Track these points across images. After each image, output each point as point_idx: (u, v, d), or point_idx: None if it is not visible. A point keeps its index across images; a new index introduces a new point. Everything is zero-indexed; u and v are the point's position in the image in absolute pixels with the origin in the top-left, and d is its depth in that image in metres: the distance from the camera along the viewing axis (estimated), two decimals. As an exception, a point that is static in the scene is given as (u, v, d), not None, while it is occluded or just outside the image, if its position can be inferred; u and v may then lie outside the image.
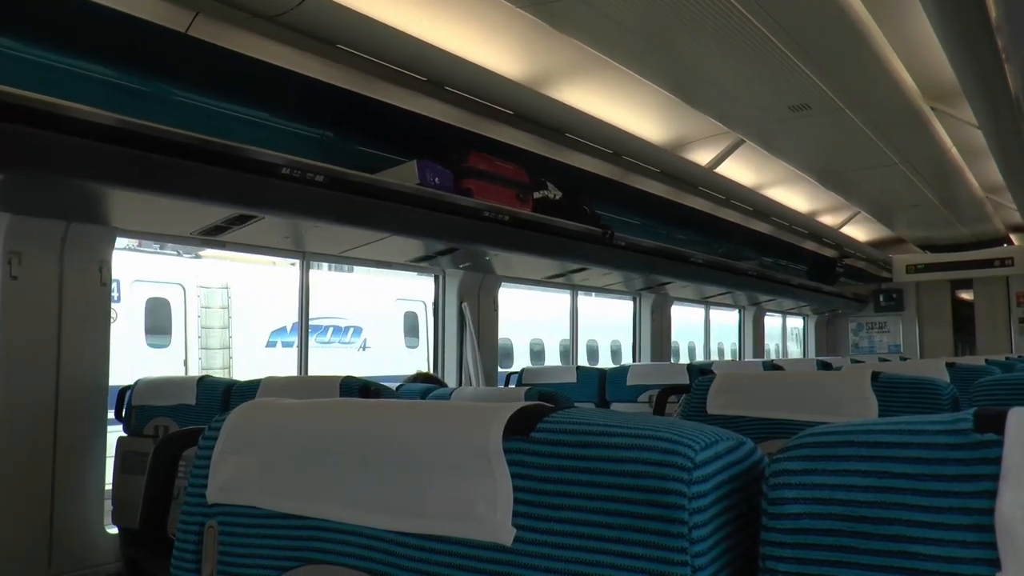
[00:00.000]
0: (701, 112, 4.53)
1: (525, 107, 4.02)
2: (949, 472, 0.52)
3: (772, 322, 9.53)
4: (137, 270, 6.48)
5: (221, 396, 2.81)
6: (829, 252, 8.75)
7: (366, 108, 3.53)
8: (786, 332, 10.39)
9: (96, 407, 2.94)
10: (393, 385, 2.98)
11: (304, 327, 4.19)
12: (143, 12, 2.62)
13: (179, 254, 7.04)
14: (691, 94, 4.28)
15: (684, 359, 9.96)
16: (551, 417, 0.63)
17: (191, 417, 2.86)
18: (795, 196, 6.75)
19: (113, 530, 2.99)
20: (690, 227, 6.68)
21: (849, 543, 0.54)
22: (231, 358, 7.21)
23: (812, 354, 10.11)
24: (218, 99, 3.29)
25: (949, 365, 2.60)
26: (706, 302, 7.86)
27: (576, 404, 0.83)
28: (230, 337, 7.25)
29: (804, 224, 7.52)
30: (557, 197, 4.56)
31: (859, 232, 8.76)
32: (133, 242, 5.93)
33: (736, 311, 8.61)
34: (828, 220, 7.83)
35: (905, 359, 7.07)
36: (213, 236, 3.39)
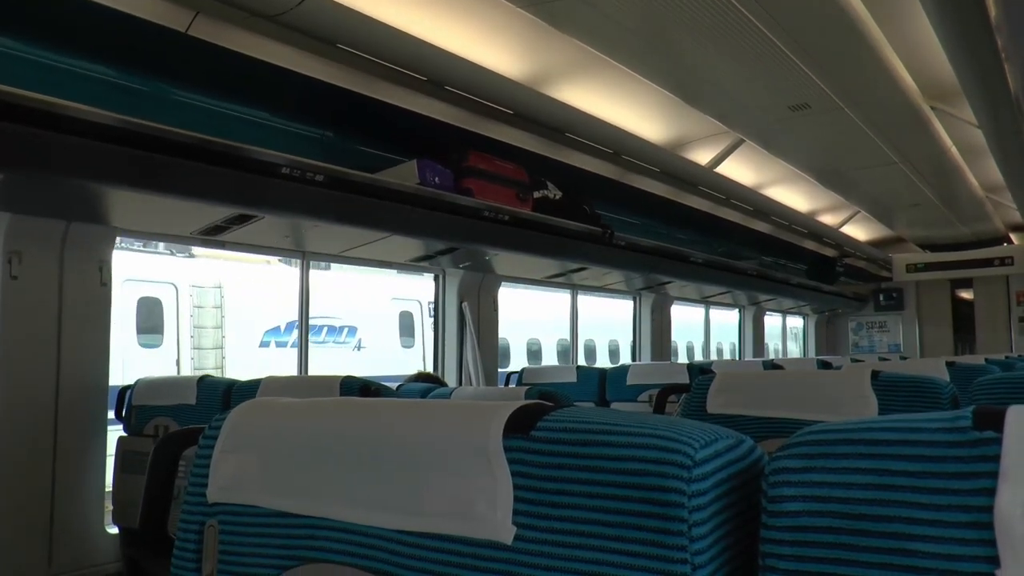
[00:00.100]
0: (701, 112, 4.53)
1: (525, 107, 4.02)
2: (948, 470, 0.52)
3: (772, 321, 9.53)
4: (128, 269, 6.44)
5: (221, 396, 2.81)
6: (829, 251, 8.75)
7: (366, 108, 3.53)
8: (786, 332, 10.39)
9: (96, 407, 2.94)
10: (390, 386, 2.98)
11: (304, 326, 4.19)
12: (143, 12, 2.62)
13: (172, 253, 7.00)
14: (691, 94, 4.28)
15: (683, 359, 9.95)
16: (551, 416, 0.63)
17: (191, 417, 2.86)
18: (795, 195, 6.75)
19: (113, 530, 2.99)
20: (690, 227, 6.68)
21: (848, 541, 0.54)
22: (224, 358, 7.17)
23: (812, 353, 10.11)
24: (218, 99, 3.29)
25: (949, 364, 2.60)
26: (706, 302, 7.86)
27: (576, 404, 0.83)
28: (223, 337, 7.21)
29: (804, 223, 7.52)
30: (557, 197, 4.56)
31: (859, 231, 8.76)
32: (123, 240, 5.91)
33: (736, 311, 8.62)
34: (828, 219, 7.84)
35: (905, 358, 7.07)
36: (213, 236, 3.40)
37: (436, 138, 3.91)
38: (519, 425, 0.63)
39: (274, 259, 6.99)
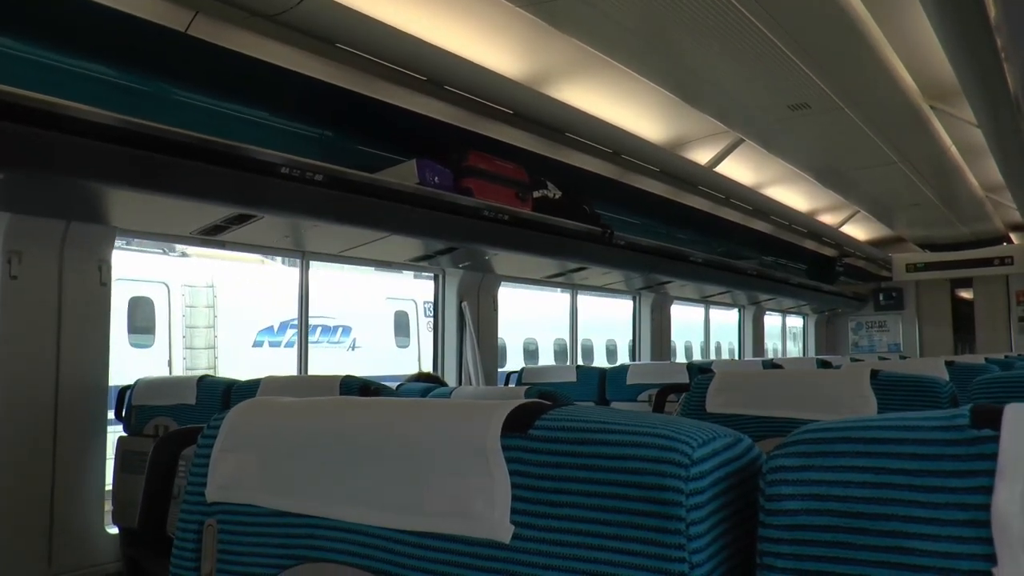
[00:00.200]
0: (700, 111, 4.53)
1: (525, 106, 4.02)
2: (945, 468, 0.52)
3: (771, 321, 9.53)
4: (119, 268, 6.37)
5: (221, 395, 2.81)
6: (829, 251, 8.75)
7: (365, 107, 3.53)
8: (785, 331, 10.39)
9: (96, 407, 2.94)
10: (389, 386, 2.98)
11: (303, 326, 4.18)
12: (143, 11, 2.62)
13: (165, 252, 6.95)
14: (691, 93, 4.28)
15: (680, 359, 9.93)
16: (549, 414, 0.63)
17: (191, 416, 2.86)
18: (795, 195, 6.75)
19: (113, 530, 2.99)
20: (690, 226, 6.68)
21: (846, 539, 0.54)
22: (216, 358, 7.11)
23: (812, 353, 10.11)
24: (218, 98, 3.29)
25: (948, 363, 2.61)
26: (706, 301, 7.86)
27: (576, 403, 0.83)
28: (215, 337, 7.15)
29: (804, 223, 7.52)
30: (557, 196, 4.56)
31: (859, 231, 8.76)
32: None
33: (735, 310, 8.61)
34: (828, 219, 7.84)
35: (905, 358, 7.07)
36: (213, 235, 3.40)
37: (436, 138, 3.91)
38: (517, 424, 0.63)
39: (268, 258, 6.95)
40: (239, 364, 6.82)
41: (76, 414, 2.85)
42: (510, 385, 4.33)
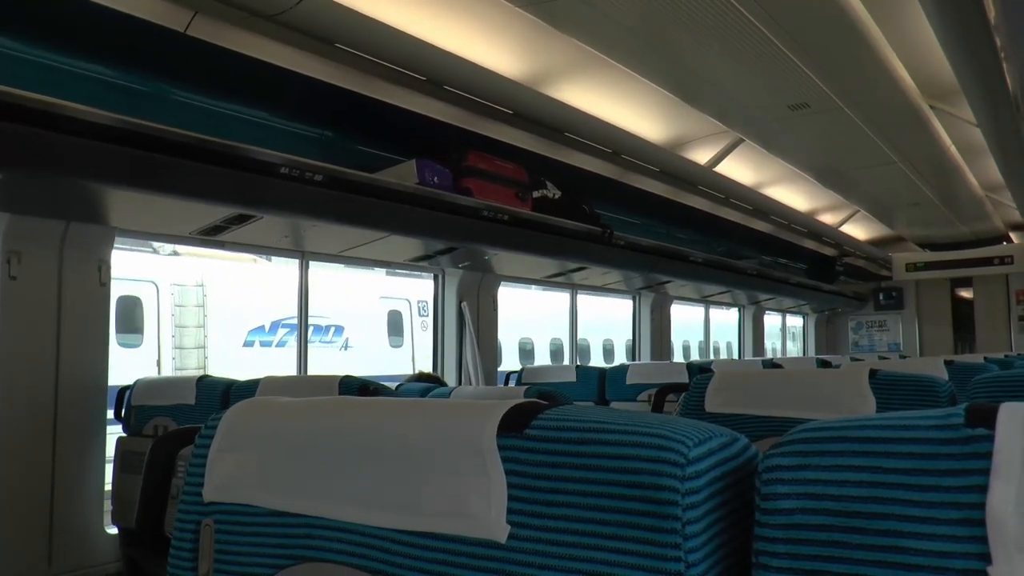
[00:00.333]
0: (700, 111, 4.53)
1: (524, 106, 4.02)
2: (940, 467, 0.52)
3: (771, 321, 9.53)
4: (108, 267, 6.30)
5: (220, 396, 2.81)
6: (828, 251, 8.75)
7: (365, 107, 3.53)
8: (785, 331, 10.38)
9: (95, 407, 2.94)
10: (389, 386, 2.97)
11: (303, 326, 4.18)
12: (142, 11, 2.62)
13: (154, 250, 6.89)
14: (690, 93, 4.28)
15: (677, 359, 9.90)
16: (545, 414, 0.63)
17: (191, 417, 2.86)
18: (794, 195, 6.75)
19: (113, 530, 2.99)
20: (689, 226, 6.68)
21: (841, 538, 0.54)
22: (206, 358, 7.04)
23: (811, 353, 10.11)
24: (217, 99, 3.29)
25: (948, 363, 2.61)
26: (706, 301, 7.86)
27: (574, 403, 0.83)
28: (205, 336, 7.07)
29: (803, 223, 7.52)
30: (556, 196, 4.56)
31: (858, 231, 8.76)
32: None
33: (735, 310, 8.61)
34: (827, 219, 7.84)
35: (905, 357, 7.07)
36: (212, 236, 3.40)
37: (435, 138, 3.91)
38: (513, 424, 0.63)
39: (261, 257, 6.89)
40: (229, 364, 6.72)
41: (75, 414, 2.85)
42: (510, 385, 4.33)
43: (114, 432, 3.11)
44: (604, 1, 3.08)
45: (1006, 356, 4.50)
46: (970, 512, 0.50)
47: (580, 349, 10.06)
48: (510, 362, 9.11)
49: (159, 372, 6.68)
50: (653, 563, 0.55)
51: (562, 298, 6.32)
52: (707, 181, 5.67)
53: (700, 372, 2.07)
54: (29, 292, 2.75)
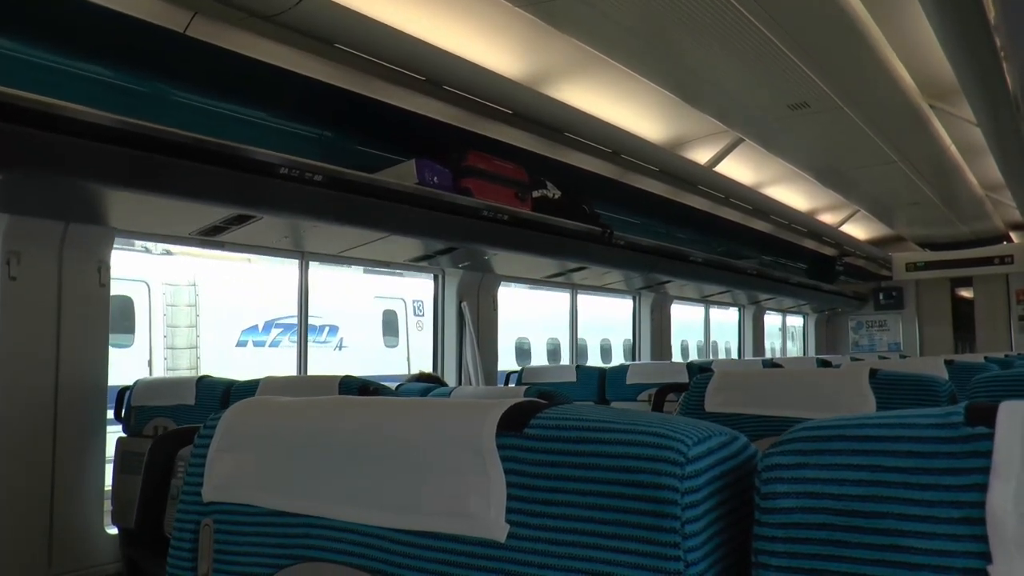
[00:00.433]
0: (700, 111, 4.53)
1: (524, 106, 4.02)
2: (940, 466, 0.52)
3: (771, 320, 9.52)
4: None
5: (220, 396, 2.81)
6: (829, 250, 8.75)
7: (364, 107, 3.53)
8: (785, 331, 10.38)
9: (95, 407, 2.94)
10: (389, 386, 2.97)
11: (303, 327, 4.19)
12: (141, 12, 2.62)
13: (147, 250, 6.84)
14: (690, 93, 4.28)
15: (675, 359, 9.85)
16: (544, 413, 0.63)
17: (190, 417, 2.86)
18: (794, 194, 6.75)
19: (113, 530, 2.99)
20: (689, 226, 6.68)
21: (841, 537, 0.54)
22: (198, 358, 6.99)
23: (812, 352, 10.11)
24: (216, 99, 3.29)
25: (948, 362, 2.60)
26: (706, 301, 7.86)
27: (574, 403, 0.83)
28: (197, 336, 7.02)
29: (803, 222, 7.52)
30: (556, 196, 4.56)
31: (858, 230, 8.76)
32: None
33: (735, 310, 8.61)
34: (827, 218, 7.83)
35: (905, 357, 7.07)
36: (212, 236, 3.39)
37: (435, 138, 3.91)
38: (512, 423, 0.63)
39: (255, 256, 6.86)
40: (222, 364, 6.64)
41: (75, 414, 2.85)
42: (510, 385, 4.33)
43: (114, 432, 3.11)
44: (604, 1, 3.08)
45: (1006, 356, 4.50)
46: (970, 511, 0.50)
47: (578, 349, 10.04)
48: (507, 362, 9.09)
49: (150, 373, 6.63)
50: (652, 562, 0.55)
51: (558, 297, 6.30)
52: (707, 181, 5.67)
53: (700, 372, 2.06)
54: (29, 293, 2.75)
